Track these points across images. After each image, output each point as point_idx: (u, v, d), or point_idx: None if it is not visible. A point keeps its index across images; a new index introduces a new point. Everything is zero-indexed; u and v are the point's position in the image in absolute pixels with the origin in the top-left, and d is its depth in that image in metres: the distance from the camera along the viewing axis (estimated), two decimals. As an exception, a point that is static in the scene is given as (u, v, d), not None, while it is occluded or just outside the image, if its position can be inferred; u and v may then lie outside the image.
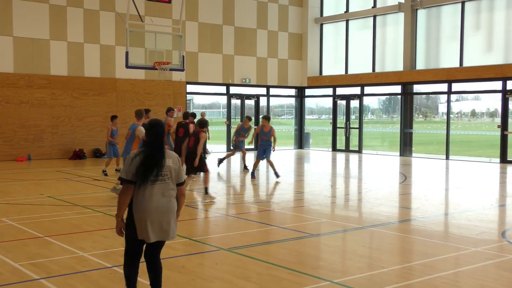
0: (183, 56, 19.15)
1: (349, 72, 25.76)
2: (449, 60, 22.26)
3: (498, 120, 21.58)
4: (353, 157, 23.30)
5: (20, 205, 10.26)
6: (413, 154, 23.54)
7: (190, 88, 23.87)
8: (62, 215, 9.30)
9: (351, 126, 25.55)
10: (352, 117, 25.88)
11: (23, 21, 19.52)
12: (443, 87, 22.50)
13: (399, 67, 23.64)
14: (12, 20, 19.31)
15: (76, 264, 6.30)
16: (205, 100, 31.43)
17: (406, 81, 23.23)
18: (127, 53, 17.58)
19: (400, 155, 23.42)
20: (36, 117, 19.89)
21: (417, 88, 23.91)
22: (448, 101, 22.53)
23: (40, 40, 19.87)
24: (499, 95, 20.90)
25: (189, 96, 24.39)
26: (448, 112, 22.66)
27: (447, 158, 21.99)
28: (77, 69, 20.74)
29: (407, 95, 23.57)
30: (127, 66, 18.06)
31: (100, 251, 6.90)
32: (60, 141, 20.48)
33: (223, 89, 25.21)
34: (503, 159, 20.52)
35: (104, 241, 7.44)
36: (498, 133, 20.86)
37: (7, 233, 7.99)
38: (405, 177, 16.35)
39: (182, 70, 19.91)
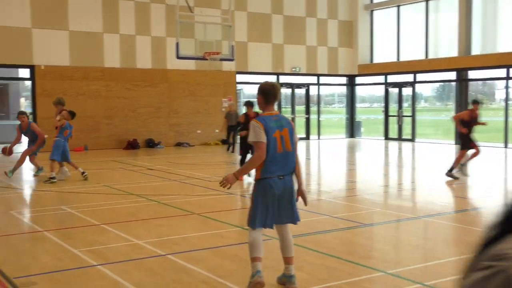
0: (233, 46, 19.22)
1: (401, 59, 25.24)
2: (506, 44, 21.46)
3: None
4: (406, 146, 22.88)
5: (78, 194, 10.58)
6: (469, 142, 22.88)
7: (239, 78, 23.96)
8: (117, 204, 9.54)
9: (404, 114, 25.07)
10: (405, 105, 25.38)
11: (78, 16, 20.03)
12: (501, 72, 21.74)
13: (454, 52, 22.98)
14: (67, 15, 19.83)
15: (131, 252, 6.45)
16: (255, 89, 31.48)
17: (461, 67, 22.57)
18: (177, 44, 17.79)
19: (455, 144, 22.83)
20: (91, 109, 20.42)
21: (472, 74, 23.20)
22: (507, 86, 21.76)
23: (94, 33, 20.35)
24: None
25: (239, 86, 24.48)
26: (507, 98, 21.90)
27: (505, 146, 21.29)
28: (129, 61, 21.15)
29: (462, 81, 22.91)
30: (178, 57, 18.29)
31: (155, 239, 7.04)
32: (115, 132, 20.98)
33: (273, 79, 25.17)
34: None
35: (159, 229, 7.59)
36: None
37: (66, 220, 8.27)
38: (461, 166, 15.91)
39: (232, 60, 20.01)
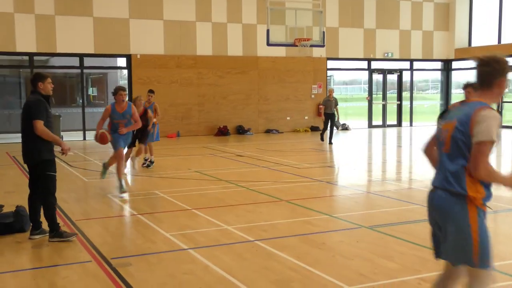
0: (324, 32, 19.02)
1: (503, 42, 23.85)
2: None
3: None
4: (507, 133, 21.68)
5: (170, 179, 10.92)
6: None
7: (330, 64, 23.67)
8: (207, 189, 9.75)
9: (504, 100, 23.75)
10: (506, 90, 24.01)
11: (172, 6, 20.57)
12: None
13: (561, 34, 21.43)
14: (162, 5, 20.43)
15: (220, 237, 6.57)
16: (346, 76, 30.99)
17: None
18: (268, 31, 17.85)
19: (561, 131, 21.36)
20: (184, 96, 20.99)
21: None
22: None
23: (187, 22, 20.83)
24: None
25: (329, 72, 24.21)
26: None
27: None
28: (220, 48, 21.48)
29: None
30: (268, 44, 18.36)
31: (243, 224, 7.13)
32: (206, 119, 21.45)
33: (364, 64, 24.66)
34: None
35: (247, 215, 7.68)
36: None
37: (159, 205, 8.57)
38: None
39: (323, 46, 19.81)
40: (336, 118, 17.96)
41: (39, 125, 6.22)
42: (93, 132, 9.38)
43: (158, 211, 8.09)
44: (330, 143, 17.40)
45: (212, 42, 21.33)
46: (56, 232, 6.37)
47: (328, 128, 17.64)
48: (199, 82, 21.20)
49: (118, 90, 9.22)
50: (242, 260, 5.70)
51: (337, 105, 17.54)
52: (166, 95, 20.63)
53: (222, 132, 21.14)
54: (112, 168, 10.02)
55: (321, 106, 18.56)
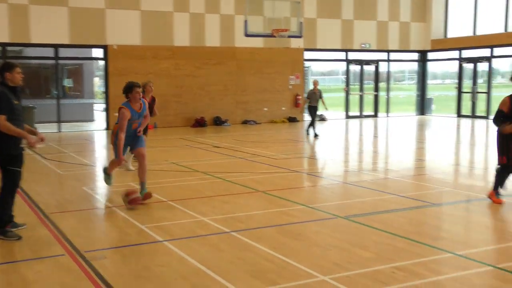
0: (301, 22, 19.03)
1: (477, 33, 24.11)
2: None
3: None
4: (480, 123, 21.97)
5: (147, 171, 10.82)
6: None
7: (308, 55, 23.68)
8: (184, 181, 9.70)
9: (478, 90, 24.04)
10: (480, 81, 24.33)
11: (148, -5, 20.38)
12: None
13: (535, 25, 21.74)
14: (137, -6, 20.21)
15: (196, 228, 6.55)
16: (324, 67, 31.09)
17: (543, 41, 21.31)
18: (246, 22, 17.81)
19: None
20: (161, 87, 20.78)
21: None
22: None
23: (164, 12, 20.64)
24: None
25: (307, 63, 24.23)
26: None
27: None
28: (198, 39, 21.34)
29: (544, 55, 21.64)
30: (246, 35, 18.31)
31: (220, 216, 7.11)
32: (183, 110, 21.33)
33: (342, 55, 24.74)
34: None
35: (224, 207, 7.66)
36: None
37: (135, 196, 8.50)
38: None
39: (300, 36, 19.81)
40: (325, 109, 17.67)
41: (1, 120, 5.91)
42: (70, 124, 9.02)
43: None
44: (316, 136, 16.80)
45: (189, 33, 21.18)
46: (0, 229, 6.19)
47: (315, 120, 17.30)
48: (176, 73, 21.06)
49: (132, 87, 7.78)
50: (218, 251, 5.68)
51: (322, 96, 17.21)
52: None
53: (199, 123, 21.06)
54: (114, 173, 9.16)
55: (303, 98, 17.89)
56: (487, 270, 5.05)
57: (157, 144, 15.11)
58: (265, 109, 22.72)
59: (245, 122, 22.12)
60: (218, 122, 21.56)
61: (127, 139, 7.90)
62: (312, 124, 17.30)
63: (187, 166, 11.20)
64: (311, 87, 17.79)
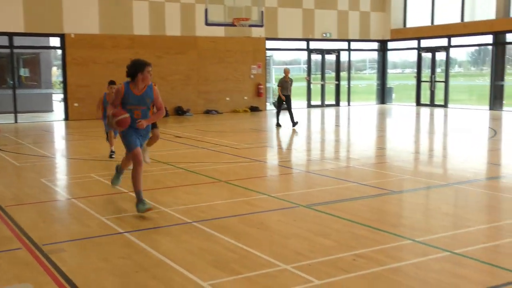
0: (262, 11, 18.97)
1: (436, 23, 24.53)
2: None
3: None
4: (439, 112, 22.42)
5: (107, 162, 10.66)
6: (504, 108, 22.31)
7: (269, 44, 23.67)
8: (145, 171, 9.54)
9: (437, 79, 24.50)
10: (438, 70, 24.79)
11: (106, -17, 19.97)
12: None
13: (491, 15, 22.22)
14: (95, -19, 19.79)
15: (158, 219, 6.48)
16: (285, 56, 31.11)
17: (499, 30, 21.82)
18: (206, 11, 17.65)
19: (489, 109, 22.27)
20: (121, 77, 20.40)
21: (510, 37, 22.42)
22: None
23: (123, 0, 20.27)
24: None
25: (268, 53, 24.22)
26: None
27: (542, 111, 20.69)
28: (158, 28, 21.07)
29: (499, 45, 22.19)
30: (207, 24, 18.16)
31: (181, 206, 7.06)
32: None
33: (303, 45, 24.81)
34: None
35: (185, 197, 7.61)
36: None
37: (95, 188, 8.35)
38: (495, 132, 15.55)
39: (261, 26, 19.75)
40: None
41: None
42: (27, 115, 8.75)
43: (94, 194, 7.88)
44: (294, 124, 16.33)
45: (149, 22, 20.88)
46: None
47: (283, 110, 16.83)
48: (136, 62, 20.72)
49: (144, 66, 6.62)
50: (179, 242, 5.63)
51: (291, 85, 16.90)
52: (103, 76, 20.05)
53: (161, 113, 20.82)
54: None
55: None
56: (445, 255, 5.15)
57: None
58: (227, 98, 22.65)
59: (207, 112, 22.01)
60: (180, 112, 21.38)
61: (131, 133, 6.74)
62: (290, 114, 16.60)
63: (148, 157, 11.05)
64: (282, 75, 17.17)
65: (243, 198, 7.55)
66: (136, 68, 6.64)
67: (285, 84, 16.74)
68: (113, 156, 10.98)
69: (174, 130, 16.16)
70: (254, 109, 22.85)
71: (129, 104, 6.68)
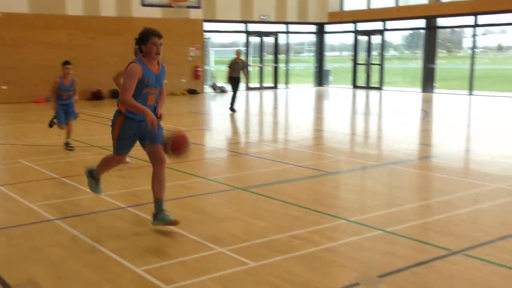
0: (199, -8, 18.69)
1: (371, 6, 24.95)
2: (475, -9, 21.37)
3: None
4: (374, 94, 22.92)
5: (38, 147, 10.30)
6: (436, 90, 23.05)
7: (207, 26, 23.40)
8: (78, 156, 9.31)
9: (372, 62, 25.00)
10: (374, 53, 25.29)
11: (36, -40, 19.14)
12: (469, 20, 21.71)
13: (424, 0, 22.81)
14: (24, -41, 18.92)
15: (91, 205, 6.31)
16: (224, 38, 30.90)
17: (431, 15, 22.45)
18: (141, -9, 17.21)
19: (422, 91, 22.96)
20: (53, 59, 19.74)
21: (441, 21, 23.11)
22: (474, 34, 21.81)
23: (53, -21, 19.52)
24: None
25: (207, 35, 23.96)
26: (474, 46, 21.98)
27: (470, 93, 21.50)
28: (92, 8, 20.41)
29: (431, 29, 22.83)
30: (143, 4, 17.79)
31: (116, 191, 6.90)
32: (78, 82, 20.37)
33: (241, 27, 24.69)
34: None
35: (120, 182, 7.44)
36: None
37: (24, 174, 8.03)
38: (426, 113, 16.04)
39: (199, 7, 19.53)
40: (244, 81, 16.58)
41: None
42: None
43: (22, 181, 7.57)
44: (232, 110, 15.70)
45: (83, 2, 20.19)
46: None
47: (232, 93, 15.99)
48: (70, 44, 20.06)
49: (148, 36, 5.20)
50: (113, 228, 5.50)
51: (246, 68, 16.17)
52: (34, 58, 19.34)
53: (96, 96, 20.31)
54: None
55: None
56: (377, 234, 5.26)
57: (48, 119, 14.39)
58: (166, 81, 22.23)
59: (144, 95, 21.58)
60: (116, 95, 20.87)
61: (134, 126, 5.37)
62: (233, 97, 15.95)
63: (82, 141, 10.76)
64: (233, 56, 16.53)
65: (179, 181, 7.45)
66: (139, 39, 5.27)
67: (235, 66, 15.86)
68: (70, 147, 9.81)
69: (110, 114, 15.72)
70: (192, 91, 22.63)
71: (149, 86, 5.30)
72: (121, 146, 5.52)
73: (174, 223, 5.31)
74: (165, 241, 5.10)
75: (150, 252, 4.81)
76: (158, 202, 5.43)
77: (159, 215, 5.38)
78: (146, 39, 5.20)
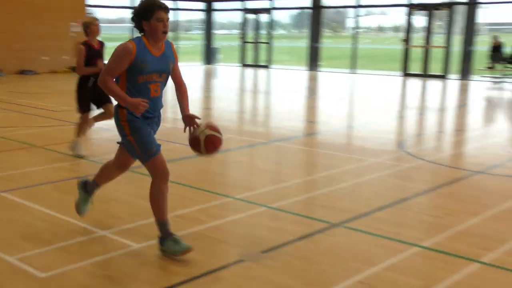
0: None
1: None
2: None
3: (402, 35, 21.99)
4: (262, 72, 23.21)
5: None
6: (321, 69, 23.77)
7: (91, 0, 22.37)
8: None
9: (260, 40, 25.25)
10: (263, 32, 25.54)
11: None
12: (352, 0, 22.53)
13: (308, -20, 23.31)
14: None
15: (-41, 191, 5.82)
16: (110, 14, 29.76)
17: (315, -5, 23.01)
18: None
19: (308, 70, 23.58)
20: None
21: (327, 1, 23.78)
22: (357, 15, 22.68)
23: None
24: (405, 9, 21.26)
25: (89, 10, 22.91)
26: (357, 26, 22.87)
27: (353, 72, 22.40)
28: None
29: (317, 8, 23.42)
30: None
31: (-12, 175, 6.42)
32: None
33: (127, 2, 23.88)
34: (405, 73, 21.18)
35: (-7, 165, 6.94)
36: (402, 47, 21.35)
37: None
38: (312, 91, 16.49)
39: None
40: None
41: None
42: None
43: None
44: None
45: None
46: None
47: None
48: None
49: (153, 8, 4.08)
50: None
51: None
52: None
53: (-32, 74, 18.81)
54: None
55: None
56: (262, 210, 5.32)
57: None
58: (46, 58, 21.08)
59: (22, 72, 20.31)
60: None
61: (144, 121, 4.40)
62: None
63: (-50, 122, 9.92)
64: None
65: (60, 164, 7.09)
66: (139, 13, 4.13)
67: None
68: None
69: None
70: (75, 69, 21.60)
71: (146, 73, 4.18)
72: (144, 138, 4.37)
73: (188, 250, 4.16)
74: (42, 226, 4.82)
75: (25, 239, 4.51)
76: (164, 225, 4.30)
77: (168, 240, 4.21)
78: (150, 14, 4.06)
